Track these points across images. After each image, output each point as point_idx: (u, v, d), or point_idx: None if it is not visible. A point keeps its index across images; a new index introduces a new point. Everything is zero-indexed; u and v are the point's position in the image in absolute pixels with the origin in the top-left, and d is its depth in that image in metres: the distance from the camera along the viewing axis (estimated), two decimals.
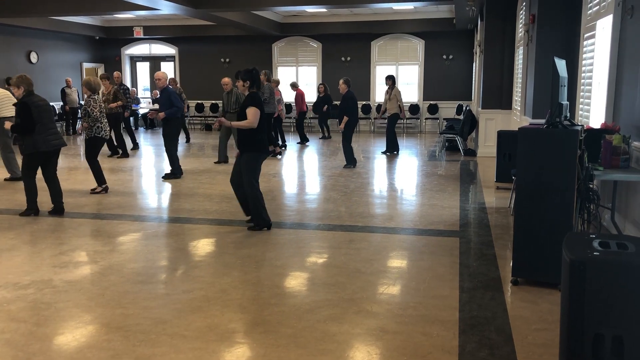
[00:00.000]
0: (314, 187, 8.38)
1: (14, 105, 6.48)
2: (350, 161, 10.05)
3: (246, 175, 5.67)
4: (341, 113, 9.91)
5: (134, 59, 19.92)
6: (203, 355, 3.13)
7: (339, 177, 9.04)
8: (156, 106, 13.83)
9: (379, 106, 17.43)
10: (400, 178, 9.25)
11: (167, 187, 8.42)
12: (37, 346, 3.25)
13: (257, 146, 5.67)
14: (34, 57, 16.47)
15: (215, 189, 8.06)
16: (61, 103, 16.30)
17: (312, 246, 5.31)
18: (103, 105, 7.76)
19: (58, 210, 6.56)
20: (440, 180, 8.80)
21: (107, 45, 19.37)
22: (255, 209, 5.76)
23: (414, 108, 17.44)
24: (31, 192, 6.45)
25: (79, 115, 16.11)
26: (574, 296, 2.51)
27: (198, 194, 7.80)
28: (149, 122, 18.00)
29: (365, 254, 4.98)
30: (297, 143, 13.92)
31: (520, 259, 4.12)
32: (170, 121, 8.93)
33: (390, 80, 12.07)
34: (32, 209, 6.47)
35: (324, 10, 15.66)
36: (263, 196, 5.84)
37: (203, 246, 5.34)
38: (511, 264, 4.26)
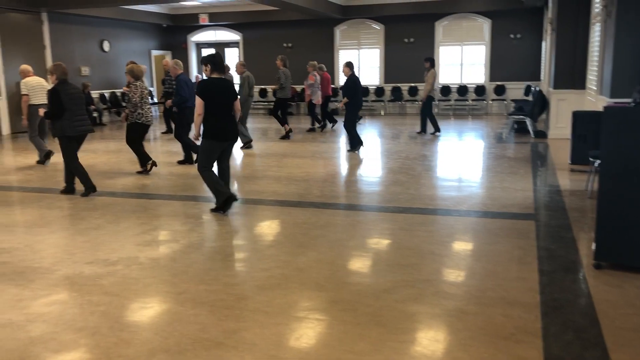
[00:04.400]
0: (378, 170, 8.36)
1: (48, 92, 6.89)
2: (355, 145, 9.99)
3: (198, 158, 5.86)
4: (343, 96, 10.18)
5: (200, 46, 20.36)
6: (285, 330, 3.23)
7: (405, 160, 8.98)
8: None
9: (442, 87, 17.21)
10: (468, 161, 9.08)
11: (238, 169, 8.61)
12: (131, 319, 3.45)
13: (207, 133, 5.70)
14: (106, 46, 17.13)
15: (283, 172, 8.20)
16: None
17: (383, 228, 5.33)
18: (145, 91, 7.98)
19: (69, 190, 7.03)
20: (511, 162, 8.58)
21: (174, 33, 19.89)
22: (211, 190, 5.88)
23: (480, 89, 17.02)
24: (81, 174, 6.88)
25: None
26: None
27: (267, 176, 7.95)
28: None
29: (438, 236, 4.96)
30: (318, 127, 13.58)
31: (604, 242, 3.99)
32: (181, 110, 8.86)
33: (428, 62, 12.12)
34: (90, 188, 6.89)
35: None
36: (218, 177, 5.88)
37: (275, 226, 5.46)
38: (592, 247, 4.14)
